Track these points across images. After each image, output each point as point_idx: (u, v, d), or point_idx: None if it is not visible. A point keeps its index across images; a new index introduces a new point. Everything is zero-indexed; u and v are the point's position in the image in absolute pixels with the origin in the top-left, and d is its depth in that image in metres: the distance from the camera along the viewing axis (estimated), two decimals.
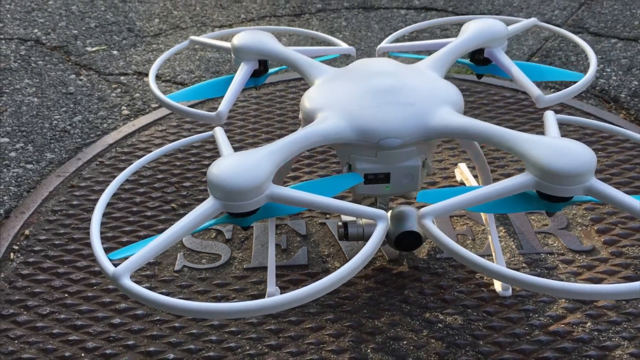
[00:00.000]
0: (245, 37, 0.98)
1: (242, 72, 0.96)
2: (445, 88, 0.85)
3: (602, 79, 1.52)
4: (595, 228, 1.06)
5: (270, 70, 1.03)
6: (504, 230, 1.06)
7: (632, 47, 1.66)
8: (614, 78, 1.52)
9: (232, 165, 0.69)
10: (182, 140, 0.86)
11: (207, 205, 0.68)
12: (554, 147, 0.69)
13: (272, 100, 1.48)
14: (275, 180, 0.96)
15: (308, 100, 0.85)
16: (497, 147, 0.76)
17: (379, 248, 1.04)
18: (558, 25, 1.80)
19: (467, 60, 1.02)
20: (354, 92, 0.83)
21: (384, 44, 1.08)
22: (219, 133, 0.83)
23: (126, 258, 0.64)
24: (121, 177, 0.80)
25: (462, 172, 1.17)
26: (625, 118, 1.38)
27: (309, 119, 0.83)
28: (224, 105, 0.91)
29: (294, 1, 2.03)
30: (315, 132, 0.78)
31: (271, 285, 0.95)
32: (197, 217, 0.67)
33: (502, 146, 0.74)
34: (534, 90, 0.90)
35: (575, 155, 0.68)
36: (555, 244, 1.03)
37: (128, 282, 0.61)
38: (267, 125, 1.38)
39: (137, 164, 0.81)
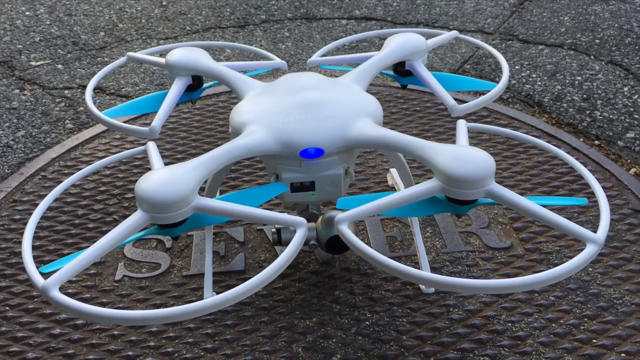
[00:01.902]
0: (178, 54, 1.02)
1: (176, 88, 1.01)
2: (366, 101, 0.91)
3: (528, 85, 1.61)
4: (514, 226, 1.13)
5: (205, 85, 1.08)
6: (430, 231, 1.13)
7: (557, 53, 1.76)
8: (539, 83, 1.62)
9: (158, 179, 0.73)
10: (115, 156, 0.90)
11: (135, 217, 0.73)
12: (456, 155, 0.76)
13: (215, 112, 1.52)
14: (210, 191, 1.02)
15: (236, 114, 0.89)
16: (408, 156, 0.82)
17: (314, 251, 1.09)
18: (490, 33, 1.90)
19: (391, 72, 1.08)
20: (279, 106, 0.88)
21: (314, 57, 1.14)
22: (152, 148, 0.87)
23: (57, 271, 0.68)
24: (50, 195, 0.83)
25: (393, 177, 1.23)
26: (547, 122, 1.47)
27: (237, 133, 0.88)
28: (157, 121, 0.95)
29: (238, 13, 2.08)
30: (240, 145, 0.82)
31: (208, 291, 0.99)
32: (125, 230, 0.72)
33: (412, 155, 0.81)
34: (449, 101, 0.96)
35: (476, 162, 0.75)
36: (476, 243, 1.10)
37: (57, 294, 0.65)
38: (210, 136, 1.42)
39: (65, 183, 0.85)
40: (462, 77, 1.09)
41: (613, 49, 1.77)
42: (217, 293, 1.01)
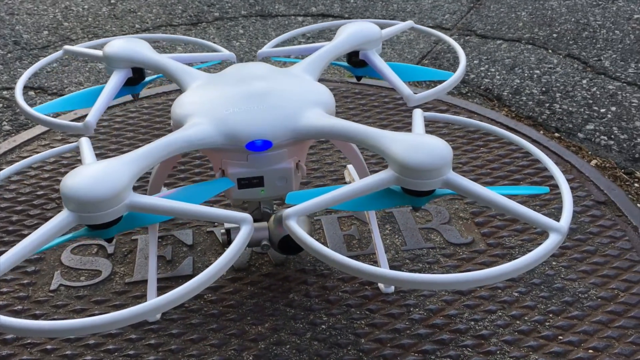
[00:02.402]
0: (117, 45, 0.95)
1: (113, 81, 0.94)
2: (317, 90, 0.85)
3: (487, 79, 1.58)
4: (475, 221, 1.09)
5: (148, 79, 1.01)
6: (389, 228, 1.08)
7: (515, 48, 1.74)
8: (498, 77, 1.59)
9: (87, 174, 0.66)
10: (41, 154, 0.83)
11: (60, 218, 0.65)
12: (411, 144, 0.71)
13: (165, 110, 1.45)
14: (153, 188, 0.95)
15: (178, 106, 0.83)
16: (361, 146, 0.77)
17: (267, 253, 1.03)
18: (448, 29, 1.87)
19: (345, 63, 1.03)
20: (224, 97, 0.82)
21: (265, 48, 1.08)
22: (85, 144, 0.80)
23: None
24: None
25: (350, 173, 1.18)
26: (507, 115, 1.44)
27: (178, 126, 0.81)
28: (92, 115, 0.88)
29: (190, 10, 2.00)
30: (180, 138, 0.76)
31: (151, 298, 0.92)
32: (47, 232, 0.64)
33: (365, 144, 0.75)
34: (404, 90, 0.92)
35: (431, 150, 0.70)
36: (437, 239, 1.05)
37: None
38: (158, 136, 1.35)
39: None
40: (418, 67, 1.04)
41: (570, 42, 1.76)
42: None
